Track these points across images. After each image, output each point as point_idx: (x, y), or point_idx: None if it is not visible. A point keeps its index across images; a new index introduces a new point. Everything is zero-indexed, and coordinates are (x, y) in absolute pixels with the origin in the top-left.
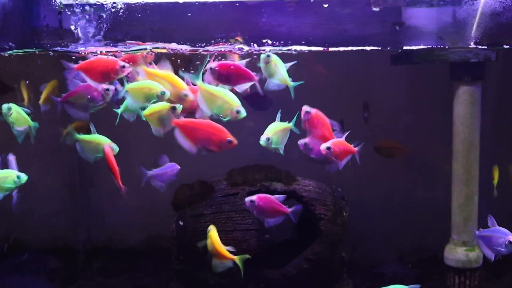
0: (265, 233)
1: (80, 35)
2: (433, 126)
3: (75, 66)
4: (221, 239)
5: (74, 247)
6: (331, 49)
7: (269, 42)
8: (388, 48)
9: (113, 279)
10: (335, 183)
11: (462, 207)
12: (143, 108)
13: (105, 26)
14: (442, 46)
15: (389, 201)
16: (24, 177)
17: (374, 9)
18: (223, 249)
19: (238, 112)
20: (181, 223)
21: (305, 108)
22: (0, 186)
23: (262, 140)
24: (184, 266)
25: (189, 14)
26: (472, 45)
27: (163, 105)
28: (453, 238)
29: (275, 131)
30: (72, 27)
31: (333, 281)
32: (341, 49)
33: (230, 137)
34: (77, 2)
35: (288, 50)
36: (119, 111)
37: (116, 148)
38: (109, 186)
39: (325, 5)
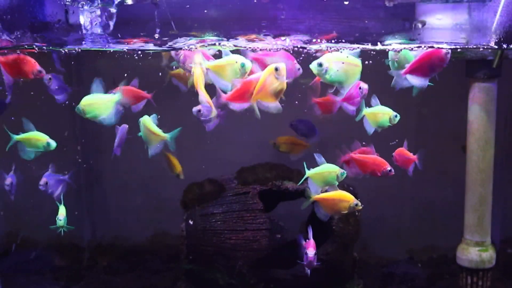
0: (276, 232)
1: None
2: (446, 125)
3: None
4: (231, 239)
5: (79, 245)
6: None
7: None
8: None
9: (119, 278)
10: (345, 181)
11: (475, 207)
12: None
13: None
14: (462, 46)
15: (400, 200)
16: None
17: (388, 4)
18: None
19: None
20: (191, 222)
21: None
22: None
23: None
24: (193, 266)
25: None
26: (492, 44)
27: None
28: (466, 238)
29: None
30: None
31: (344, 281)
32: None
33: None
34: None
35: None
36: None
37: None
38: (114, 183)
39: (346, 2)
